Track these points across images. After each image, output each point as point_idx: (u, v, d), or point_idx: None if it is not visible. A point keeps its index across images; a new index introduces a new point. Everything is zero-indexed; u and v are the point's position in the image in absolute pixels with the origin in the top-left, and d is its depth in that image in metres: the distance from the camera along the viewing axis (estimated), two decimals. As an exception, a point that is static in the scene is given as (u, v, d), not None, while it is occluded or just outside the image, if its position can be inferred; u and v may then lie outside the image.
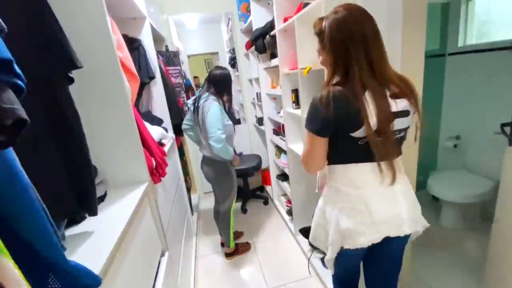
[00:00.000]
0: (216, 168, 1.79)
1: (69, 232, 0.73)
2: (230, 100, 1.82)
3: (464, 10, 2.05)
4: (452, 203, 1.89)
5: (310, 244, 1.80)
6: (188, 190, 2.54)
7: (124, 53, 1.08)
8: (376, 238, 0.86)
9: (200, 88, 1.84)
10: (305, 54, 1.34)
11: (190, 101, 1.85)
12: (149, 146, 1.09)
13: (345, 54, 0.77)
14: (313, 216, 1.71)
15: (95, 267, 0.56)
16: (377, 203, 0.85)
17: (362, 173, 0.84)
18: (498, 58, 1.79)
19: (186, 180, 2.45)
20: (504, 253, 1.25)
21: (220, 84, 1.73)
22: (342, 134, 0.81)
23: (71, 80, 0.65)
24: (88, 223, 0.76)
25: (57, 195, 0.62)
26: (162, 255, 1.11)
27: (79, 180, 0.65)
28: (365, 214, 0.85)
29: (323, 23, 0.81)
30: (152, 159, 1.10)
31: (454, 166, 2.22)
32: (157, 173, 1.12)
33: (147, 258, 0.93)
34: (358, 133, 0.78)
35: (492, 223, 1.32)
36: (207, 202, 2.91)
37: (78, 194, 0.67)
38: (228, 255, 2.00)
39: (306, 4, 1.21)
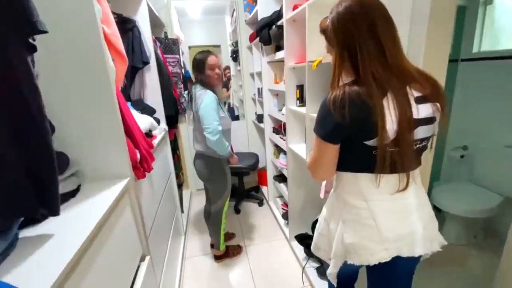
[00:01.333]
0: (209, 166, 1.66)
1: (26, 233, 0.61)
2: (211, 86, 1.59)
3: (481, 14, 1.95)
4: (456, 216, 1.79)
5: (306, 253, 1.69)
6: (180, 186, 2.42)
7: (111, 29, 0.95)
8: (385, 257, 0.76)
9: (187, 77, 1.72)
10: (315, 46, 1.21)
11: (186, 93, 1.72)
12: (134, 136, 0.96)
13: (350, 42, 0.68)
14: (313, 224, 1.61)
15: (46, 281, 0.44)
16: (387, 218, 0.75)
17: (373, 184, 0.74)
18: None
19: (178, 176, 2.32)
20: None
21: (195, 72, 1.60)
22: (355, 141, 0.71)
23: (33, 49, 0.52)
24: (52, 223, 0.64)
25: (6, 186, 0.50)
26: (142, 259, 0.98)
27: (36, 170, 0.53)
28: (373, 230, 0.76)
29: (327, 20, 0.74)
30: (137, 151, 0.97)
31: (459, 177, 2.12)
32: (141, 167, 0.99)
33: (122, 264, 0.81)
34: (373, 142, 0.68)
35: (497, 240, 1.22)
36: (199, 200, 2.79)
37: (35, 188, 0.54)
38: (217, 257, 1.89)
39: (320, -10, 1.09)
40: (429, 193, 1.94)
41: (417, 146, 0.73)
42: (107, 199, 0.75)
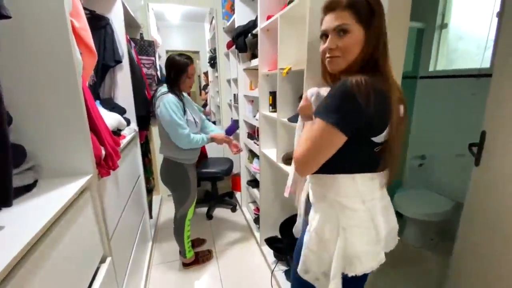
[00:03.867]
0: (171, 170, 1.60)
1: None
2: (179, 89, 1.52)
3: (437, 37, 2.17)
4: (415, 220, 1.92)
5: (275, 256, 1.71)
6: (150, 191, 2.34)
7: (81, 24, 0.94)
8: (383, 257, 0.76)
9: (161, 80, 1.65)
10: (286, 54, 1.28)
11: None
12: (99, 132, 0.94)
13: (384, 37, 0.70)
14: (281, 226, 1.63)
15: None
16: (382, 216, 0.76)
17: (371, 184, 0.73)
18: (465, 84, 1.89)
19: (149, 180, 2.25)
20: (465, 270, 1.26)
21: (171, 72, 1.50)
22: (363, 137, 0.67)
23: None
24: (1, 216, 0.60)
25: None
26: (103, 261, 0.94)
27: None
28: (373, 232, 0.74)
29: None
30: (102, 148, 0.95)
31: (418, 184, 2.29)
32: (106, 165, 0.96)
33: (79, 263, 0.77)
34: (379, 138, 0.67)
35: (451, 243, 1.34)
36: (170, 205, 2.70)
37: None
38: (186, 265, 1.84)
39: (291, 2, 1.17)
40: (392, 200, 2.07)
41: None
42: (65, 195, 0.72)
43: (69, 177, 0.83)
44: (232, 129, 1.72)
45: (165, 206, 2.75)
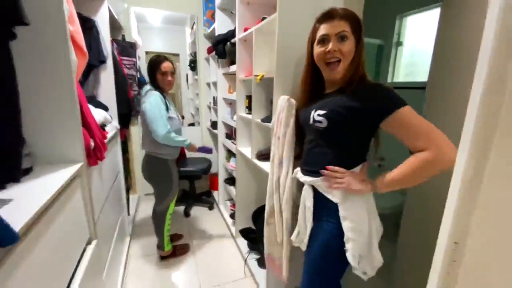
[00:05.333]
0: (155, 166, 1.70)
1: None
2: (160, 88, 1.63)
3: (393, 53, 2.49)
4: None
5: (249, 246, 1.86)
6: (128, 190, 2.39)
7: (75, 27, 1.04)
8: None
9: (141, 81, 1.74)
10: (260, 63, 1.46)
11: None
12: (89, 125, 1.04)
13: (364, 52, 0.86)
14: (253, 215, 1.78)
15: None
16: None
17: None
18: (418, 95, 2.19)
19: (126, 179, 2.30)
20: (407, 252, 1.50)
21: (148, 72, 1.64)
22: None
23: (14, 36, 0.61)
24: (7, 192, 0.69)
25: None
26: (89, 243, 1.03)
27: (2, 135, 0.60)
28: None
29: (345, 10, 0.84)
30: (91, 140, 1.04)
31: (378, 182, 2.56)
32: (94, 155, 1.06)
33: (69, 242, 0.86)
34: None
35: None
36: (147, 204, 2.75)
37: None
38: (163, 257, 1.92)
39: (265, 18, 1.34)
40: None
41: None
42: (61, 178, 0.81)
43: (62, 164, 0.92)
44: (207, 151, 1.80)
45: (142, 205, 2.79)
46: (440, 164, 0.72)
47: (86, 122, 1.02)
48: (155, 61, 1.61)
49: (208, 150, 1.82)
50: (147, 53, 3.26)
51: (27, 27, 0.78)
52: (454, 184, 0.41)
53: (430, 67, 1.33)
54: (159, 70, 1.60)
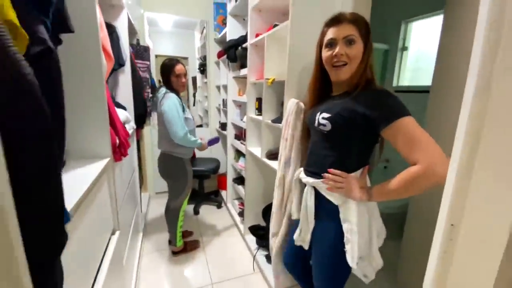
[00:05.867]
0: (171, 164, 1.80)
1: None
2: (175, 90, 1.73)
3: (399, 57, 2.54)
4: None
5: (257, 243, 1.92)
6: (139, 187, 2.47)
7: (103, 33, 1.12)
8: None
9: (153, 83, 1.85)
10: (271, 67, 1.53)
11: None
12: (115, 124, 1.12)
13: (372, 56, 0.87)
14: (263, 211, 1.85)
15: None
16: None
17: None
18: (422, 99, 2.24)
19: (139, 177, 2.39)
20: (411, 251, 1.55)
21: (162, 75, 1.75)
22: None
23: (60, 42, 0.70)
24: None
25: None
26: (113, 233, 1.11)
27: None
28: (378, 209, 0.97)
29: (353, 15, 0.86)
30: (116, 137, 1.13)
31: (384, 184, 2.61)
32: (119, 151, 1.14)
33: (98, 232, 0.94)
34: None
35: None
36: (157, 203, 2.84)
37: None
38: (175, 253, 1.99)
39: (276, 25, 1.42)
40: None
41: None
42: (92, 172, 0.89)
43: (91, 159, 1.00)
44: (215, 142, 1.93)
45: (152, 203, 2.88)
46: (430, 179, 0.71)
47: (112, 120, 1.11)
48: (169, 64, 1.71)
49: (216, 140, 1.93)
50: (157, 56, 3.37)
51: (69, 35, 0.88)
52: (450, 173, 0.48)
53: (434, 71, 1.39)
54: (173, 73, 1.70)
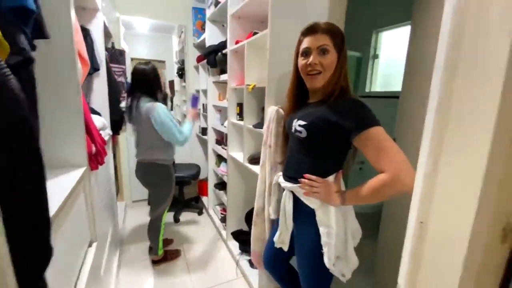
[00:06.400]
0: (157, 172, 1.75)
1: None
2: (165, 97, 1.78)
3: (371, 65, 2.70)
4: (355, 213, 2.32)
5: (240, 248, 1.92)
6: (116, 196, 2.37)
7: (78, 38, 1.08)
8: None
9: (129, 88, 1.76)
10: (251, 73, 1.56)
11: (123, 104, 1.78)
12: (91, 131, 1.08)
13: (347, 65, 0.90)
14: (246, 216, 1.86)
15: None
16: None
17: None
18: (393, 104, 2.39)
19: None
20: (386, 248, 1.64)
21: (150, 81, 1.68)
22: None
23: (34, 48, 0.67)
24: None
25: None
26: (90, 245, 1.06)
27: None
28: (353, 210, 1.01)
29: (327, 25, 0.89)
30: (93, 145, 1.09)
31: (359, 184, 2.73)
32: (95, 160, 1.10)
33: (75, 244, 0.90)
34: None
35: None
36: (135, 211, 2.75)
37: None
38: (155, 262, 1.93)
39: (256, 33, 1.46)
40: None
41: None
42: (69, 182, 0.86)
43: (66, 168, 0.96)
44: (195, 101, 1.93)
45: (130, 212, 2.77)
46: (396, 187, 0.76)
47: (88, 128, 1.07)
48: (156, 71, 1.70)
49: (195, 98, 1.94)
50: (132, 59, 3.28)
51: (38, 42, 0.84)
52: (419, 172, 0.53)
53: (403, 78, 1.50)
54: (160, 78, 1.71)
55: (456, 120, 0.46)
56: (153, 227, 1.85)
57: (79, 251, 0.94)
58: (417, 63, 1.36)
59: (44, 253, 0.39)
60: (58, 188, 0.81)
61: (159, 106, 1.62)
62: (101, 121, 1.36)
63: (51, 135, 0.94)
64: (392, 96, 2.37)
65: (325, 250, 0.91)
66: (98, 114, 1.69)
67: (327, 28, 0.87)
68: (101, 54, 1.70)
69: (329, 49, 0.86)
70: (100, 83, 1.73)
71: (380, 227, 1.71)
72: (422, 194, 0.53)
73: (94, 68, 1.63)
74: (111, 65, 2.21)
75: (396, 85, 2.52)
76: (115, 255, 1.90)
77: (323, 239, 0.91)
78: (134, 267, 1.91)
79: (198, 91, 2.94)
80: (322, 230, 0.91)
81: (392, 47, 2.56)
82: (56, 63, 0.90)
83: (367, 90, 2.71)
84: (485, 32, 0.41)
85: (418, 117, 1.34)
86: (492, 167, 0.37)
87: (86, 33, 1.57)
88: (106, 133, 1.68)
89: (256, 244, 1.33)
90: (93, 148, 1.08)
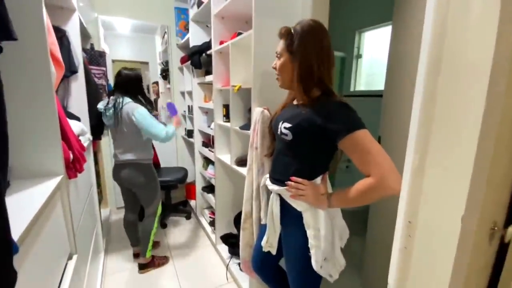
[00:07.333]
0: (141, 172, 1.74)
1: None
2: (148, 102, 1.80)
3: (354, 64, 2.74)
4: (343, 211, 2.34)
5: (230, 252, 1.89)
6: (99, 204, 2.28)
7: (51, 39, 1.02)
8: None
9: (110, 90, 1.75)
10: (237, 74, 1.54)
11: (101, 105, 1.73)
12: (67, 137, 1.02)
13: (318, 60, 0.84)
14: (235, 219, 1.83)
15: None
16: None
17: None
18: (377, 102, 2.44)
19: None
20: (374, 245, 1.66)
21: (134, 85, 1.70)
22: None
23: (1, 50, 0.62)
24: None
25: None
26: (70, 258, 1.00)
27: None
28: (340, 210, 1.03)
29: (293, 28, 0.87)
30: (70, 152, 1.03)
31: (346, 182, 2.76)
32: (73, 167, 1.04)
33: (52, 259, 0.84)
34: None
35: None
36: (120, 218, 2.64)
37: None
38: (142, 266, 1.87)
39: (240, 33, 1.44)
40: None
41: None
42: (42, 193, 0.80)
43: (41, 177, 0.90)
44: (174, 110, 1.93)
45: (115, 218, 2.67)
46: (381, 191, 0.76)
47: (65, 133, 1.01)
48: (140, 76, 1.73)
49: (171, 106, 1.96)
50: (114, 61, 3.17)
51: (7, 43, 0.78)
52: (406, 173, 0.52)
53: (386, 77, 1.52)
54: (143, 84, 1.75)
55: (441, 119, 0.46)
56: (146, 225, 1.82)
57: (57, 265, 0.89)
58: (398, 62, 1.39)
59: (6, 279, 0.35)
60: (31, 200, 0.76)
61: (139, 106, 1.64)
62: (79, 126, 1.30)
63: (23, 142, 0.88)
64: (376, 95, 2.42)
65: (312, 252, 0.90)
66: (77, 118, 1.61)
67: (282, 33, 0.91)
68: (78, 56, 1.63)
69: (281, 53, 0.91)
70: (78, 86, 1.66)
71: (368, 224, 1.73)
72: (409, 194, 0.53)
73: (71, 70, 1.56)
74: (91, 67, 2.12)
75: (379, 84, 2.58)
76: (99, 264, 1.82)
77: (310, 242, 0.90)
78: (119, 276, 1.84)
79: (183, 93, 2.89)
80: (309, 232, 0.91)
81: (374, 47, 2.61)
82: (27, 66, 0.84)
83: (351, 89, 2.75)
84: (467, 26, 0.41)
85: (401, 114, 1.36)
86: (479, 166, 0.37)
87: (61, 34, 1.50)
88: (86, 139, 1.61)
89: (245, 250, 1.31)
90: (71, 155, 1.02)
